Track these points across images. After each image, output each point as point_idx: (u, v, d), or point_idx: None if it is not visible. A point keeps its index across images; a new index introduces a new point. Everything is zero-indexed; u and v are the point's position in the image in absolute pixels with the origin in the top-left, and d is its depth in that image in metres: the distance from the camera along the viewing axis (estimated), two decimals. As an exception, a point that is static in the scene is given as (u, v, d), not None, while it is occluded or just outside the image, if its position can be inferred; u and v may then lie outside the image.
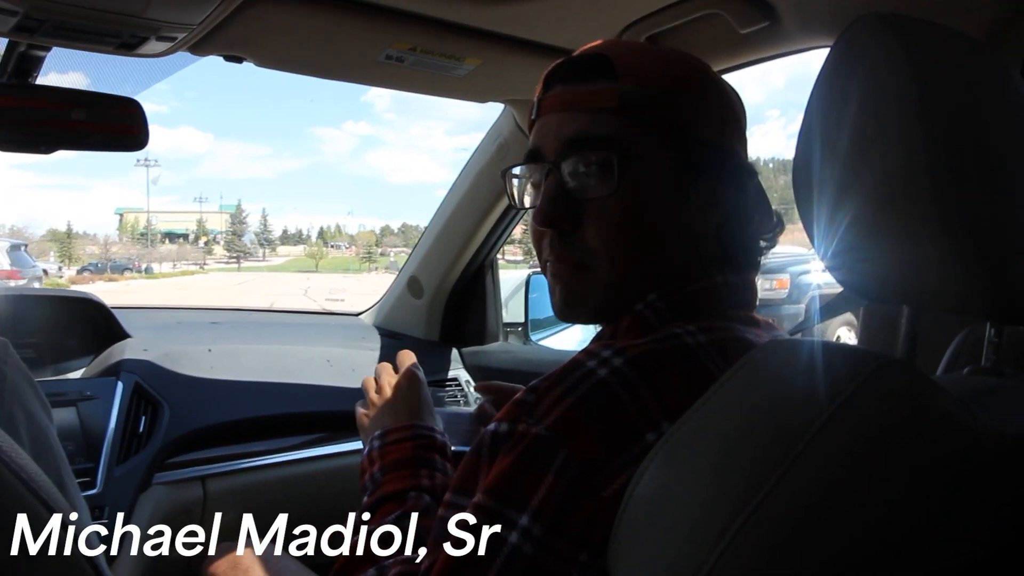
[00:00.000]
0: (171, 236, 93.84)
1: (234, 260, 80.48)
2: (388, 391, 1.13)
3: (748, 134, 0.90)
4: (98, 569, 0.60)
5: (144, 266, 66.94)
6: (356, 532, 0.95)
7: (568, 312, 0.88)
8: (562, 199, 0.84)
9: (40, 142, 1.35)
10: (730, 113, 0.87)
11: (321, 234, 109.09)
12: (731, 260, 0.86)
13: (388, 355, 1.24)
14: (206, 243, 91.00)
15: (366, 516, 0.96)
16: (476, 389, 1.22)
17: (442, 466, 1.01)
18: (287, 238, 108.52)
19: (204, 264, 78.20)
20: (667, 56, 0.87)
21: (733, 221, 0.85)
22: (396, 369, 1.18)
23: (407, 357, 1.19)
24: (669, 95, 0.83)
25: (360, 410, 1.15)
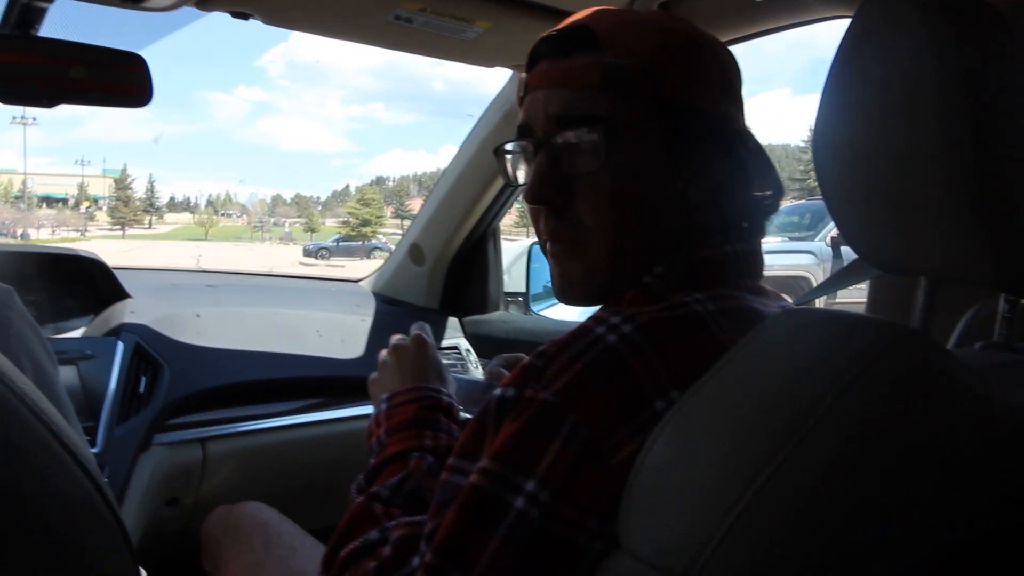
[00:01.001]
0: (49, 200, 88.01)
1: (118, 227, 76.07)
2: (392, 354, 1.13)
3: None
4: (115, 511, 0.61)
5: (20, 231, 63.29)
6: (359, 494, 0.95)
7: (567, 295, 0.88)
8: (551, 176, 0.84)
9: (42, 95, 1.33)
10: (721, 76, 0.85)
11: (211, 202, 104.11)
12: (733, 227, 0.85)
13: (388, 321, 1.24)
14: (88, 208, 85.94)
15: (370, 480, 0.97)
16: (497, 361, 1.21)
17: (447, 426, 1.01)
18: (175, 205, 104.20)
19: (85, 231, 73.97)
20: (652, 24, 0.86)
21: (728, 187, 0.84)
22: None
23: (419, 328, 1.19)
24: (654, 66, 0.82)
25: (372, 377, 1.15)
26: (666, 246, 0.83)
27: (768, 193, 0.89)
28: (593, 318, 0.75)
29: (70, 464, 0.58)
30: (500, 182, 2.13)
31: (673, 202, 0.84)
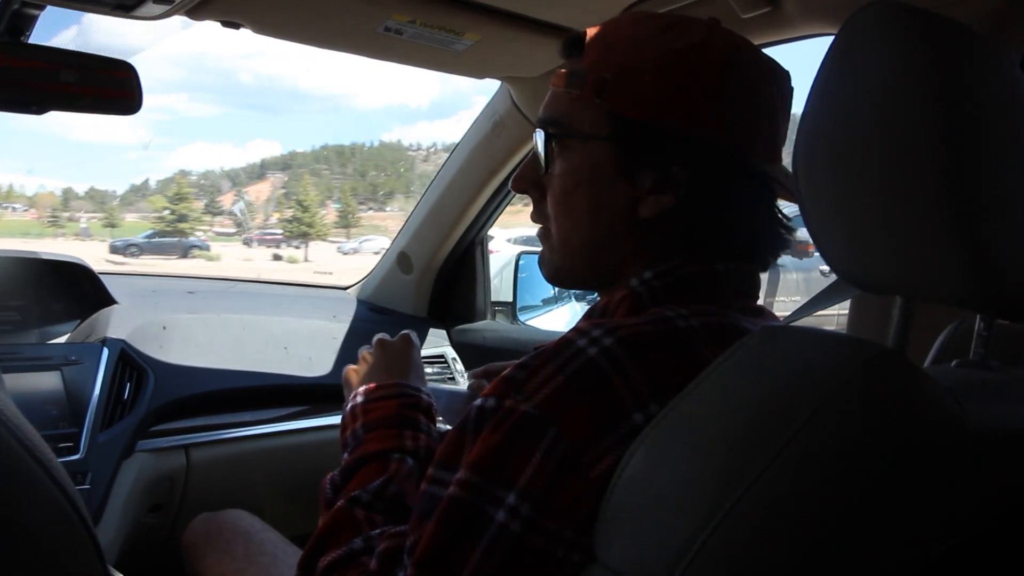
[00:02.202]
0: None
1: None
2: (377, 349, 1.12)
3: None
4: (82, 516, 0.61)
5: None
6: (336, 494, 0.95)
7: (541, 269, 0.95)
8: (529, 170, 0.92)
9: (32, 102, 1.33)
10: (703, 95, 0.82)
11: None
12: (724, 246, 0.85)
13: (375, 329, 1.24)
14: None
15: (347, 476, 0.96)
16: (471, 376, 1.21)
17: (426, 427, 1.01)
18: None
19: None
20: (634, 36, 0.85)
21: (692, 208, 0.83)
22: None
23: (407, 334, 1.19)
24: (619, 78, 0.83)
25: (349, 367, 1.15)
26: (621, 255, 0.87)
27: (781, 217, 0.89)
28: (576, 330, 0.75)
29: (41, 475, 0.57)
30: (489, 191, 2.14)
31: (623, 215, 0.85)
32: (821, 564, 0.55)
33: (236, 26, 1.42)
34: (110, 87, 1.37)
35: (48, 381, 1.52)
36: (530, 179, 0.92)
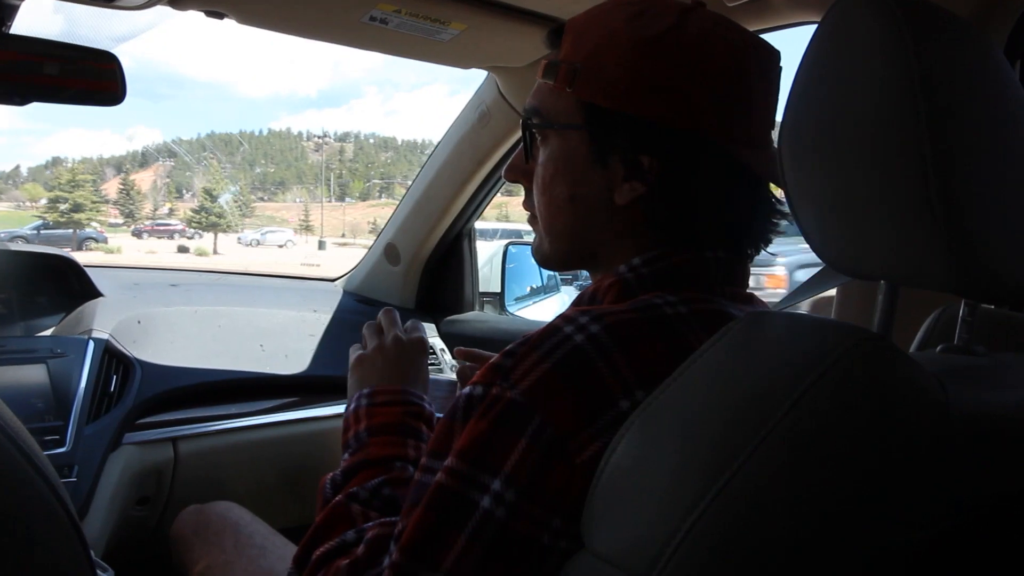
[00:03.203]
0: None
1: None
2: (394, 346, 1.11)
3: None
4: (68, 509, 0.61)
5: None
6: (335, 491, 0.95)
7: (533, 252, 0.96)
8: (521, 158, 0.95)
9: (14, 92, 1.32)
10: (671, 82, 0.81)
11: None
12: (711, 234, 0.85)
13: (362, 321, 1.24)
14: None
15: (348, 477, 0.96)
16: (455, 355, 1.22)
17: (427, 437, 1.02)
18: None
19: None
20: (606, 25, 0.85)
21: (665, 196, 0.83)
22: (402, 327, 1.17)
23: (388, 315, 1.18)
24: (589, 66, 0.84)
25: (357, 352, 1.13)
26: (604, 240, 0.88)
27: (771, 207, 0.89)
28: (562, 316, 0.75)
29: (26, 467, 0.57)
30: (476, 182, 2.14)
31: (601, 202, 0.86)
32: (807, 548, 0.55)
33: (220, 16, 1.41)
34: (93, 78, 1.37)
35: (34, 374, 1.52)
36: (520, 168, 0.95)
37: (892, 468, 0.57)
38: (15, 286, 1.80)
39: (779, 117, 0.76)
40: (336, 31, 1.60)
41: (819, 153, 0.66)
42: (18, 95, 1.34)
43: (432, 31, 1.54)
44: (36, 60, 1.31)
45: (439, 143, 2.19)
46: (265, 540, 1.29)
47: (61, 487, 0.60)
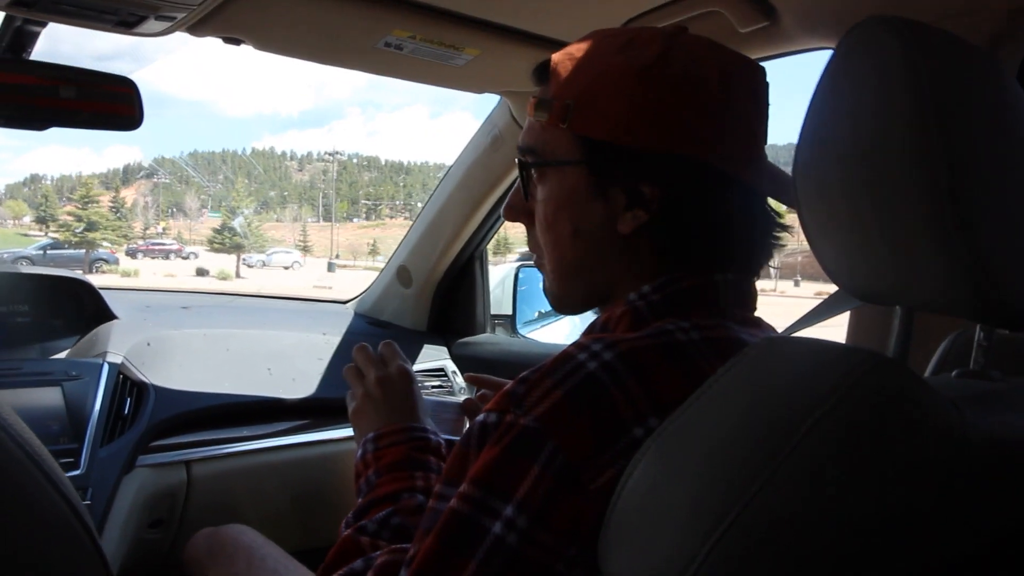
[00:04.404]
0: None
1: None
2: (377, 387, 1.12)
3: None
4: (92, 535, 0.61)
5: None
6: (348, 528, 0.96)
7: (547, 298, 0.95)
8: (519, 197, 0.94)
9: (34, 118, 1.34)
10: (671, 109, 0.82)
11: None
12: (720, 257, 0.85)
13: (374, 344, 1.24)
14: None
15: (359, 517, 0.97)
16: (466, 380, 1.23)
17: (436, 466, 1.02)
18: None
19: None
20: (599, 56, 0.86)
21: (669, 222, 0.84)
22: (379, 359, 1.18)
23: (389, 347, 1.19)
24: (580, 103, 0.84)
25: (350, 403, 1.15)
26: (612, 273, 0.87)
27: (773, 226, 0.89)
28: (576, 344, 0.76)
29: (48, 489, 0.58)
30: (488, 205, 2.15)
31: (604, 234, 0.86)
32: (824, 573, 0.55)
33: (237, 42, 1.43)
34: (111, 103, 1.38)
35: (49, 396, 1.52)
36: (519, 207, 0.94)
37: (909, 494, 0.57)
38: (32, 309, 1.81)
39: (787, 139, 0.77)
40: (351, 57, 1.62)
41: (833, 178, 0.66)
42: (38, 119, 1.36)
43: (446, 56, 1.56)
44: (52, 84, 1.33)
45: (451, 167, 2.20)
46: (278, 563, 1.29)
47: (84, 510, 0.60)
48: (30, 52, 1.35)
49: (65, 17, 1.25)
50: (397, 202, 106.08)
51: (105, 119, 1.40)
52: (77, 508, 0.60)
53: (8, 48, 1.33)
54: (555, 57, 0.88)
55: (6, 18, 1.28)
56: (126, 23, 1.29)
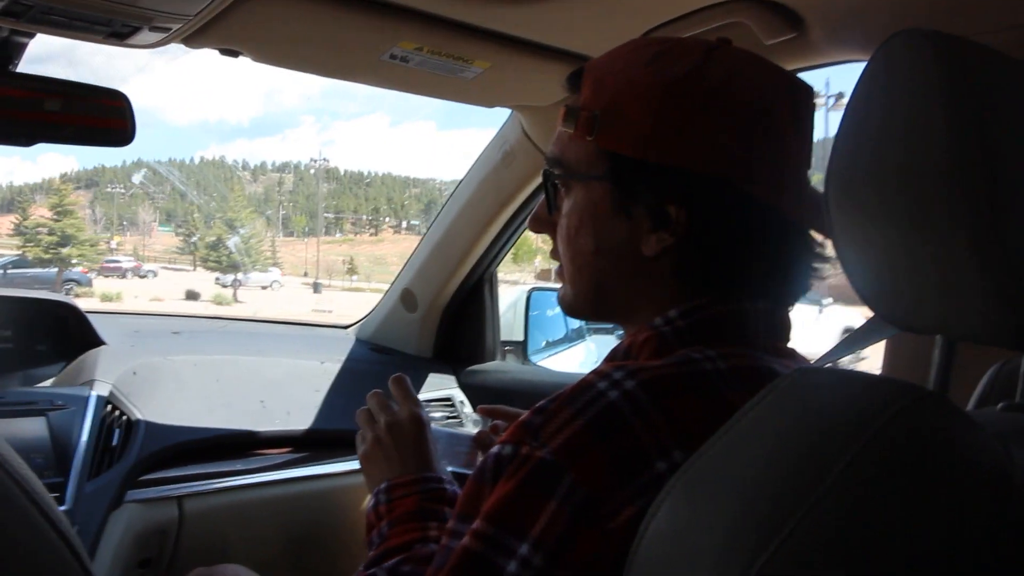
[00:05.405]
0: None
1: None
2: (387, 434, 1.12)
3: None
4: (83, 563, 0.61)
5: None
6: None
7: (562, 308, 0.97)
8: (544, 209, 0.95)
9: (20, 133, 1.35)
10: (696, 127, 0.82)
11: None
12: (750, 284, 0.85)
13: (377, 371, 1.24)
14: None
15: (369, 568, 0.97)
16: (478, 412, 1.22)
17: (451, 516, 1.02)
18: None
19: None
20: (627, 69, 0.86)
21: (695, 245, 0.83)
22: (388, 396, 1.18)
23: (400, 384, 1.19)
24: (607, 115, 0.84)
25: (360, 446, 1.15)
26: (632, 293, 0.88)
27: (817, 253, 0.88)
28: (596, 372, 0.76)
29: (43, 524, 0.58)
30: (499, 224, 2.14)
31: (627, 254, 0.86)
32: None
33: (235, 54, 1.44)
34: (100, 116, 1.39)
35: (33, 427, 1.52)
36: (544, 219, 0.96)
37: (951, 536, 0.56)
38: (14, 334, 1.81)
39: (820, 158, 0.77)
40: (356, 70, 1.63)
41: (868, 200, 0.66)
42: (24, 135, 1.36)
43: (455, 69, 1.57)
44: (38, 97, 1.34)
45: (459, 184, 2.20)
46: (275, 606, 1.29)
47: (80, 545, 0.61)
48: (17, 64, 1.36)
49: (55, 28, 1.25)
50: (362, 216, 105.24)
51: (95, 134, 1.40)
52: (73, 544, 0.60)
53: (-6, 60, 1.34)
54: (588, 65, 0.90)
55: (-9, 30, 1.29)
56: (119, 35, 1.29)
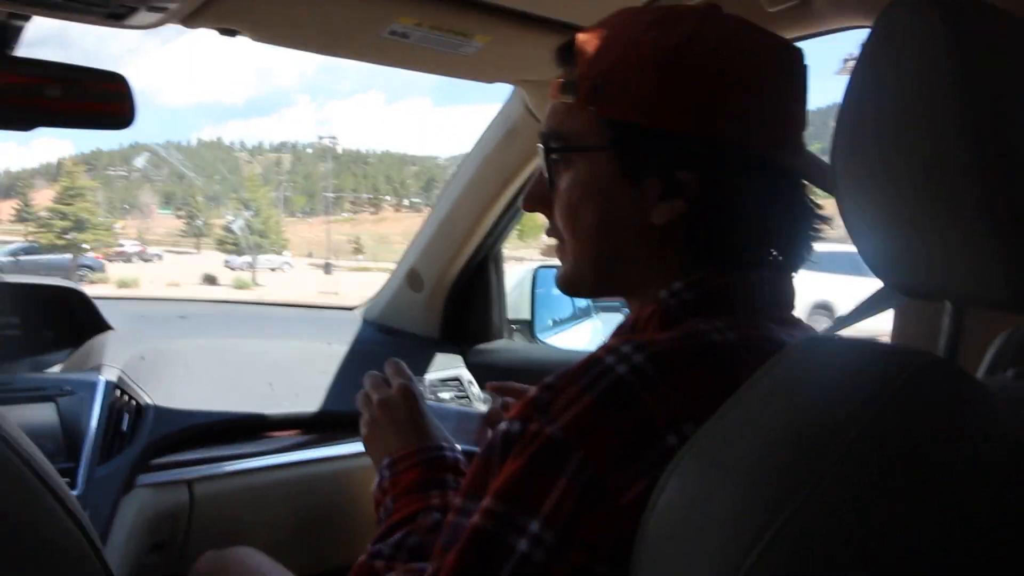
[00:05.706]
0: None
1: None
2: (380, 411, 1.12)
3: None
4: (100, 554, 0.62)
5: None
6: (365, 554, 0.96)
7: (560, 287, 0.95)
8: (539, 185, 0.94)
9: (19, 118, 1.34)
10: (704, 91, 0.82)
11: None
12: (752, 252, 0.86)
13: (383, 352, 1.24)
14: None
15: (376, 543, 0.98)
16: (488, 389, 1.22)
17: (454, 483, 1.02)
18: None
19: None
20: (625, 36, 0.85)
21: (709, 211, 0.83)
22: (387, 380, 1.18)
23: (395, 367, 1.19)
24: (609, 83, 0.83)
25: (362, 430, 1.15)
26: (639, 266, 0.87)
27: (815, 217, 0.89)
28: (604, 347, 0.75)
29: (56, 508, 0.58)
30: (503, 203, 2.13)
31: (634, 225, 0.85)
32: None
33: (233, 33, 1.43)
34: (99, 100, 1.38)
35: (42, 413, 1.53)
36: (539, 197, 0.94)
37: (963, 504, 0.56)
38: (22, 320, 1.81)
39: (821, 123, 0.76)
40: (355, 47, 1.62)
41: (875, 166, 0.66)
42: (22, 120, 1.36)
43: (456, 44, 1.56)
44: (37, 82, 1.33)
45: (463, 162, 2.19)
46: (287, 588, 1.30)
47: (91, 528, 0.61)
48: (14, 48, 1.36)
49: (52, 11, 1.25)
50: (361, 195, 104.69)
51: (95, 117, 1.39)
52: (85, 526, 0.60)
53: (-9, 44, 1.33)
54: (580, 36, 0.88)
55: (-12, 13, 1.28)
56: (116, 15, 1.29)
